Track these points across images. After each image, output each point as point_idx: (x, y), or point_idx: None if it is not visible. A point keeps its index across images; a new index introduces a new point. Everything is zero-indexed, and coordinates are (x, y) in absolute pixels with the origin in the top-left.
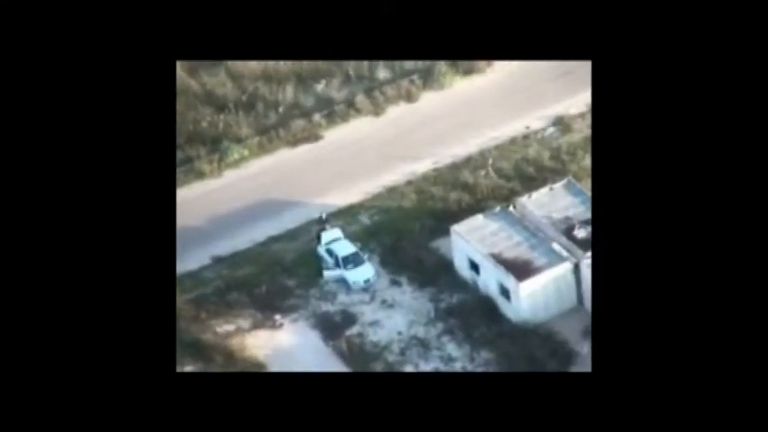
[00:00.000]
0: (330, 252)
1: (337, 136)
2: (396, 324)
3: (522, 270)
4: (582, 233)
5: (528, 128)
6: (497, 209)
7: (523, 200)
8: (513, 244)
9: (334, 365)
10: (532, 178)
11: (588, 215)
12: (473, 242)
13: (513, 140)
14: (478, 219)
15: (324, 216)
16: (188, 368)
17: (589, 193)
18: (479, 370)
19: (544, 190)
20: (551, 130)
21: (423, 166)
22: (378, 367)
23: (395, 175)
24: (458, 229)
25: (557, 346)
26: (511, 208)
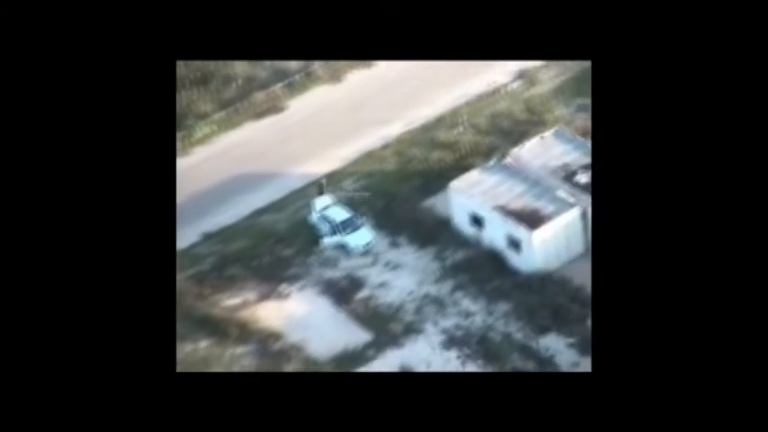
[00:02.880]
0: (325, 219)
1: (301, 106)
2: (404, 284)
3: (531, 220)
4: (584, 178)
5: (495, 82)
6: (492, 162)
7: (516, 151)
8: (516, 195)
9: (351, 329)
10: (510, 131)
11: (585, 160)
12: (476, 197)
13: (480, 97)
14: (475, 174)
15: (324, 182)
16: (203, 344)
17: (581, 139)
18: (500, 322)
19: (535, 140)
20: (517, 83)
21: (395, 129)
22: (396, 328)
23: (368, 140)
24: (456, 185)
25: (575, 292)
26: (508, 159)
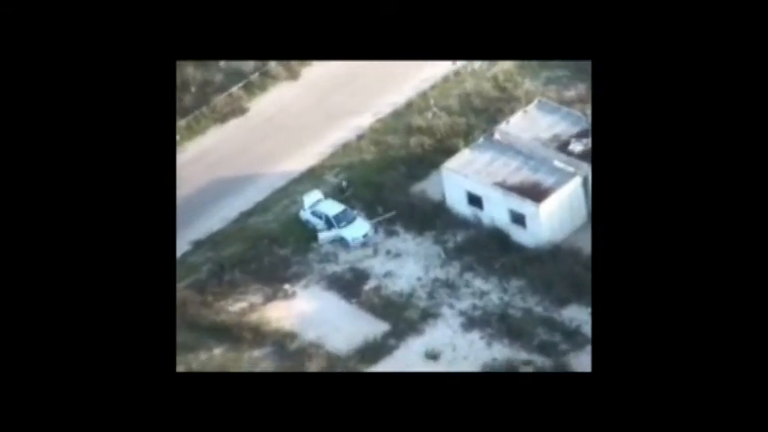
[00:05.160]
0: (317, 214)
1: (262, 105)
2: (411, 271)
3: (535, 193)
4: (578, 146)
5: (455, 64)
6: (481, 139)
7: (503, 127)
8: (513, 170)
9: (367, 321)
10: (483, 110)
11: (575, 129)
12: (472, 176)
13: (445, 79)
14: (466, 153)
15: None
16: (217, 351)
17: (565, 108)
18: (517, 298)
19: (519, 114)
20: (478, 63)
21: (365, 119)
22: (413, 314)
23: (341, 132)
24: (450, 165)
25: (588, 260)
26: (496, 136)
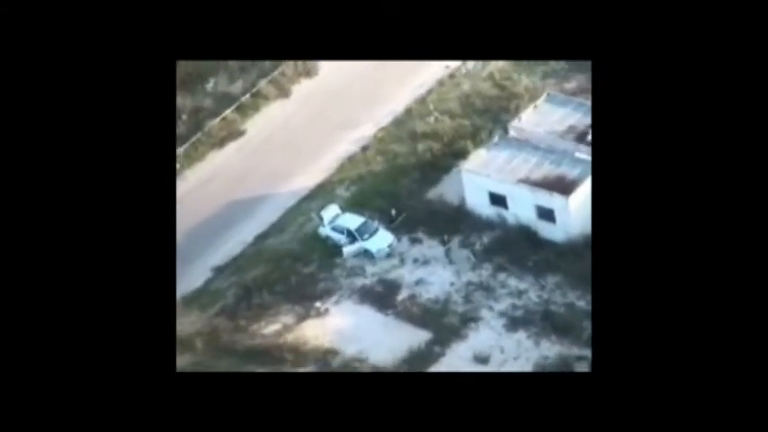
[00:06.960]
0: (338, 229)
1: (259, 126)
2: (442, 277)
3: (561, 186)
4: None
5: (448, 67)
6: (496, 138)
7: (515, 123)
8: (534, 165)
9: (407, 331)
10: (486, 109)
11: (588, 119)
12: (493, 175)
13: (441, 83)
14: (482, 153)
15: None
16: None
17: (576, 99)
18: (556, 294)
19: (529, 109)
20: (472, 63)
21: (366, 130)
22: (453, 320)
23: (343, 146)
24: (469, 166)
25: None
26: (511, 133)
